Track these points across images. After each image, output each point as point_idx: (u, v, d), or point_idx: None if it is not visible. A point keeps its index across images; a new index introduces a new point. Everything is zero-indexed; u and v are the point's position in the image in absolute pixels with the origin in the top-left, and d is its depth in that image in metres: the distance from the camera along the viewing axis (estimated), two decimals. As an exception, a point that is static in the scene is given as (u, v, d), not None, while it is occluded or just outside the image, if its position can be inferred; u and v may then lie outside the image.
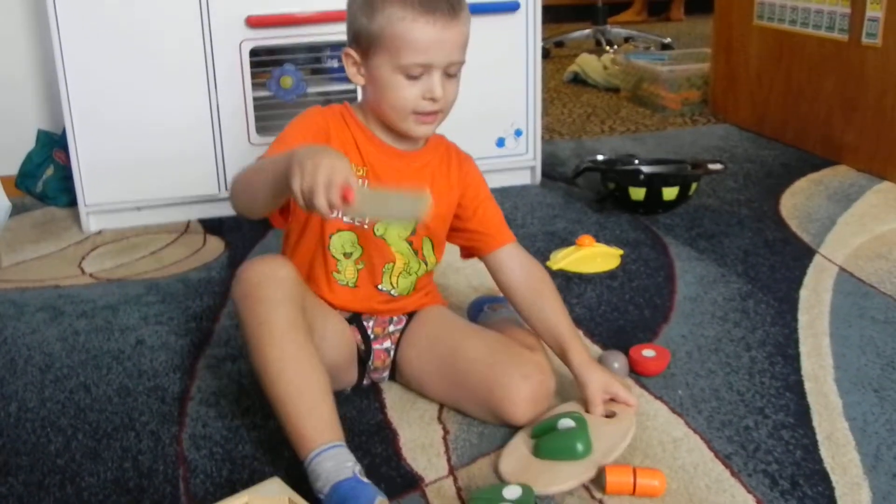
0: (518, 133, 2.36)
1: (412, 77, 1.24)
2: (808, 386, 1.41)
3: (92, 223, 2.20)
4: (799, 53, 2.73)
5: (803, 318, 1.65)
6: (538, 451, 1.21)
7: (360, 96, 1.35)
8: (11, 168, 2.47)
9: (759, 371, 1.46)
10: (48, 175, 2.42)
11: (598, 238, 2.01)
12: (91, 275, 1.94)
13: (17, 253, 2.08)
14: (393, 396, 1.39)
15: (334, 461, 1.10)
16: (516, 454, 1.22)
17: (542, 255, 1.90)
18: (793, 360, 1.49)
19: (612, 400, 1.31)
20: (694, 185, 2.17)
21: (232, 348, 1.57)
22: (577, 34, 4.64)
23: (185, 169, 2.17)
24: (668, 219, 2.16)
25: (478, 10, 2.16)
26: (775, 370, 1.46)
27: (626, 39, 4.71)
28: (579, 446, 1.18)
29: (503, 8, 2.24)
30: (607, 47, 4.43)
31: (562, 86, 3.87)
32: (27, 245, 2.13)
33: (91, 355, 1.56)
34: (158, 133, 2.14)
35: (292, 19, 2.12)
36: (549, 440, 1.21)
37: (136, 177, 2.16)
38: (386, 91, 1.27)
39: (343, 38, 2.10)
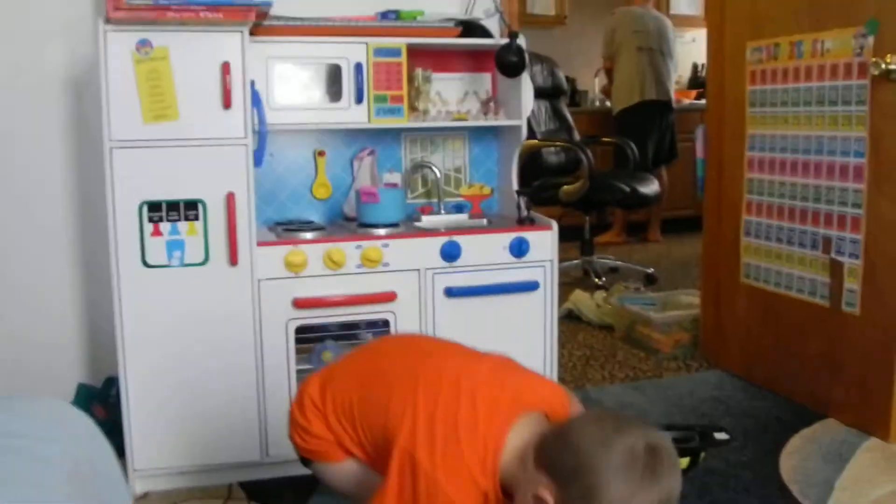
0: (536, 397, 2.55)
1: None
2: None
3: (138, 486, 2.32)
4: (785, 313, 2.98)
5: None
6: None
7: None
8: (55, 426, 2.60)
9: None
10: (89, 432, 2.56)
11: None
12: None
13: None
14: None
15: None
16: None
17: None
18: None
19: None
20: (703, 454, 2.36)
21: None
22: (566, 264, 4.94)
23: (231, 435, 2.32)
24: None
25: (502, 290, 2.43)
26: None
27: (612, 270, 5.01)
28: None
29: (525, 288, 2.49)
30: (595, 279, 4.72)
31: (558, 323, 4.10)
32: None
33: None
34: (208, 400, 2.30)
35: (333, 302, 2.34)
36: None
37: (184, 441, 2.30)
38: None
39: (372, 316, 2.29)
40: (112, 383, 2.60)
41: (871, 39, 2.52)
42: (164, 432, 2.30)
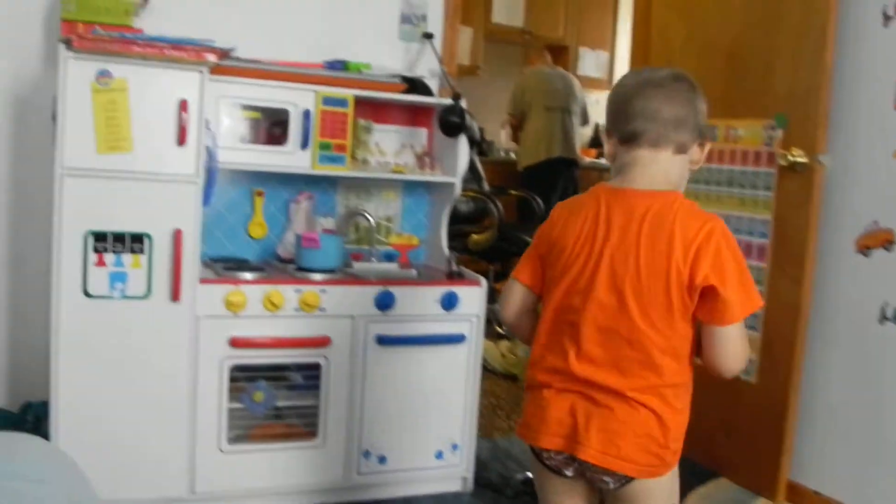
0: (455, 447, 2.64)
1: None
2: None
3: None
4: (684, 376, 3.16)
5: None
6: None
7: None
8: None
9: None
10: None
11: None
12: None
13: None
14: None
15: None
16: None
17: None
18: None
19: None
20: None
21: None
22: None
23: (158, 470, 2.32)
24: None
25: (432, 341, 2.52)
26: None
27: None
28: None
29: (453, 340, 2.59)
30: (498, 327, 4.84)
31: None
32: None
33: None
34: (137, 433, 2.28)
35: (270, 343, 2.37)
36: None
37: (109, 473, 2.26)
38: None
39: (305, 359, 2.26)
40: (29, 409, 2.55)
41: (779, 132, 2.75)
42: (90, 463, 2.25)
